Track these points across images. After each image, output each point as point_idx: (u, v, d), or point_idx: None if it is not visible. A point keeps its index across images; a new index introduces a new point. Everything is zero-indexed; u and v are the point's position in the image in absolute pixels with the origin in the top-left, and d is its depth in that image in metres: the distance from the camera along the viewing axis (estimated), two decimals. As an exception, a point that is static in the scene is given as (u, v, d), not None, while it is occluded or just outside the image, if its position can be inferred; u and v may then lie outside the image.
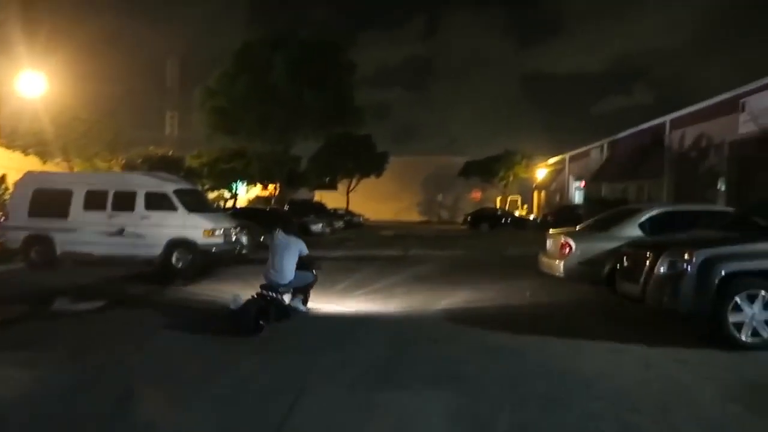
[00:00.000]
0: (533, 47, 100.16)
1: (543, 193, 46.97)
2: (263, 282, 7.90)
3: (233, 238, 14.57)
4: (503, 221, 37.56)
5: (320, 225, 28.08)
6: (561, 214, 35.63)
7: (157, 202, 13.92)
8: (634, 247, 7.42)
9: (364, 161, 48.61)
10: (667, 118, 21.91)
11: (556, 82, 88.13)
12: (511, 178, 47.74)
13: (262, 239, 18.88)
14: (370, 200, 53.29)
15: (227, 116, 24.45)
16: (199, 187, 23.38)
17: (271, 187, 42.74)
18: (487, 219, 37.19)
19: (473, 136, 78.24)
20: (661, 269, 6.52)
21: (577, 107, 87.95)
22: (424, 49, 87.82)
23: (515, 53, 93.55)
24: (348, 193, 49.61)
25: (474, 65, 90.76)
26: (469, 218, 38.83)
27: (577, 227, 10.69)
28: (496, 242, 24.87)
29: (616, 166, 26.49)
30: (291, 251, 8.08)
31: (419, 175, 60.96)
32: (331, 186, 52.76)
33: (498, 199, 49.10)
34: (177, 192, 14.14)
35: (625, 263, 7.30)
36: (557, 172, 41.21)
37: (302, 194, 50.16)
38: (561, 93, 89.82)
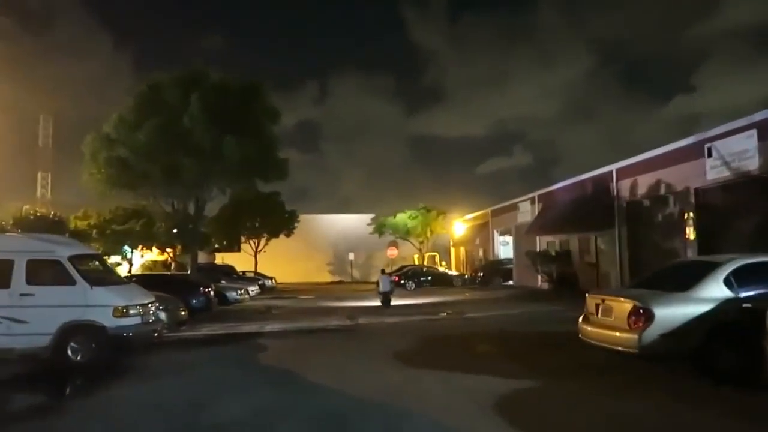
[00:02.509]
0: (421, 112, 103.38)
1: (462, 249, 45.88)
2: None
3: (151, 317, 11.05)
4: (427, 279, 35.56)
5: (238, 291, 24.39)
6: (490, 269, 34.54)
7: (45, 273, 10.27)
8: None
9: (273, 220, 45.22)
10: (613, 167, 21.17)
11: (444, 144, 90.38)
12: (429, 235, 46.32)
13: (183, 313, 15.30)
14: (278, 261, 49.36)
15: (127, 168, 20.59)
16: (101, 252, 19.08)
17: (170, 250, 38.12)
18: (412, 277, 35.01)
19: (366, 196, 77.60)
20: None
21: (464, 168, 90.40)
22: (317, 113, 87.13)
23: (404, 117, 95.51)
24: (256, 254, 45.63)
25: (365, 128, 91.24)
26: (392, 277, 36.43)
27: (628, 287, 8.56)
28: (435, 301, 22.56)
29: (553, 219, 25.52)
30: (388, 279, 21.96)
31: (328, 234, 58.16)
32: (230, 247, 48.49)
33: (415, 257, 47.30)
34: (74, 258, 10.53)
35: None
36: (479, 227, 40.25)
37: (200, 257, 45.46)
38: (449, 155, 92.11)
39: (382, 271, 23.67)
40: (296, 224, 47.75)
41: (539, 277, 26.86)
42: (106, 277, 11.29)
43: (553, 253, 25.27)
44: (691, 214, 16.75)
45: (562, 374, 8.24)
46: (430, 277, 36.05)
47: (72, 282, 10.09)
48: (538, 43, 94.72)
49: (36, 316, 9.86)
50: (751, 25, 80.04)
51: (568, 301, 20.05)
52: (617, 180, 20.91)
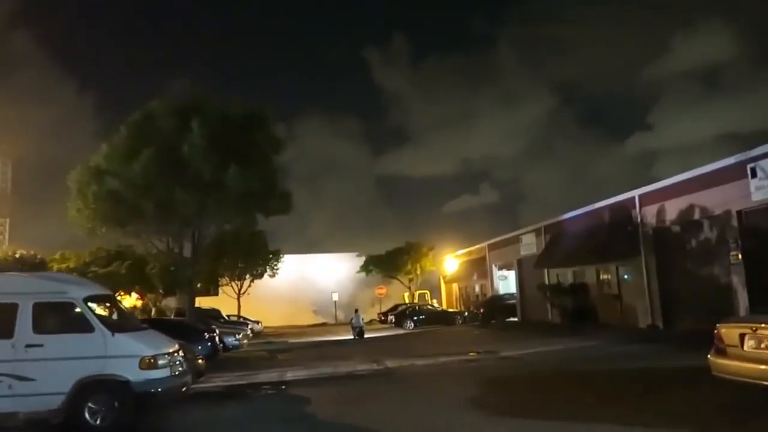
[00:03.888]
0: (387, 152, 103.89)
1: (455, 286, 44.47)
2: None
3: (179, 368, 9.32)
4: (425, 317, 33.88)
5: (236, 336, 22.51)
6: (491, 306, 33.11)
7: (55, 318, 8.62)
8: None
9: (257, 260, 43.21)
10: (635, 193, 20.38)
11: (412, 183, 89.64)
12: (418, 272, 44.88)
13: (201, 362, 13.44)
14: (259, 304, 47.02)
15: (119, 202, 18.82)
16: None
17: (151, 295, 35.80)
18: (410, 316, 33.39)
19: (335, 236, 75.41)
20: None
21: (433, 206, 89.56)
22: (284, 154, 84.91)
23: (371, 158, 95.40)
24: (239, 297, 43.37)
25: (332, 169, 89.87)
26: (390, 316, 34.79)
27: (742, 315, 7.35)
28: (457, 341, 21.05)
29: (566, 250, 24.52)
30: (359, 317, 28.75)
31: (310, 274, 56.21)
32: (208, 290, 45.81)
33: (405, 295, 45.69)
34: (90, 300, 8.86)
35: None
36: (475, 262, 39.05)
37: (171, 302, 42.77)
38: (418, 194, 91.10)
39: (356, 311, 29.33)
40: (280, 264, 45.82)
41: (551, 311, 25.71)
42: (125, 323, 9.61)
43: (568, 286, 24.20)
44: (736, 239, 15.89)
45: (698, 419, 6.95)
46: (426, 316, 34.33)
47: (89, 329, 8.40)
48: (499, 84, 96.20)
49: (45, 372, 8.13)
50: (702, 66, 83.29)
51: (592, 335, 18.86)
52: (641, 206, 20.10)
